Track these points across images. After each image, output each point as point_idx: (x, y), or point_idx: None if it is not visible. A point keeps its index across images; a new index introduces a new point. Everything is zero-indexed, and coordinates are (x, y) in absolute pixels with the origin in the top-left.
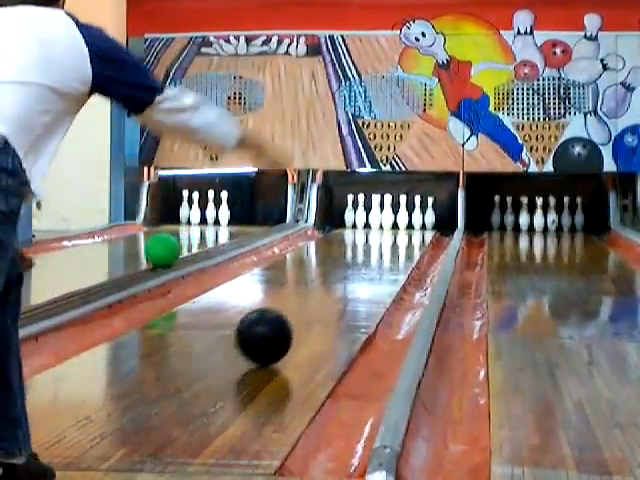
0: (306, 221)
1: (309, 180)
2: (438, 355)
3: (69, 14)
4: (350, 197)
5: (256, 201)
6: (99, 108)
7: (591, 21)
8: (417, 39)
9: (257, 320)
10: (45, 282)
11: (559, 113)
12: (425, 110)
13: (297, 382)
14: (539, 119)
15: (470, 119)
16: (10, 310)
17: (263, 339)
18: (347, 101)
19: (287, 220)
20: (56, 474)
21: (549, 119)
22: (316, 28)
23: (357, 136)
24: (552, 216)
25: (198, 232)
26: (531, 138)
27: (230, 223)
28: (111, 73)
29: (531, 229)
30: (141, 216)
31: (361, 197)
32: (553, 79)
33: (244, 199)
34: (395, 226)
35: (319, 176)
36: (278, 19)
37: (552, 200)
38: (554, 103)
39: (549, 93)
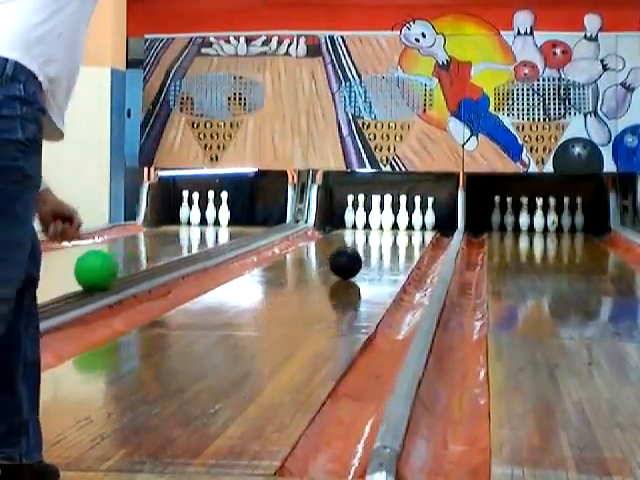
0: (306, 221)
1: (309, 180)
2: (438, 355)
3: None
4: (350, 197)
5: (256, 201)
6: (99, 108)
7: (591, 21)
8: (417, 40)
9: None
10: (45, 282)
11: (559, 113)
12: (425, 111)
13: (297, 382)
14: (539, 119)
15: (470, 120)
16: (23, 314)
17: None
18: (347, 102)
19: (287, 220)
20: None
21: (549, 119)
22: (316, 28)
23: (357, 137)
24: (552, 216)
25: (198, 232)
26: (531, 138)
27: (230, 223)
28: None
29: (531, 229)
30: (141, 217)
31: (361, 197)
32: (553, 79)
33: (244, 199)
34: (395, 226)
35: (319, 176)
36: (278, 19)
37: (552, 201)
38: (554, 103)
39: (549, 93)
